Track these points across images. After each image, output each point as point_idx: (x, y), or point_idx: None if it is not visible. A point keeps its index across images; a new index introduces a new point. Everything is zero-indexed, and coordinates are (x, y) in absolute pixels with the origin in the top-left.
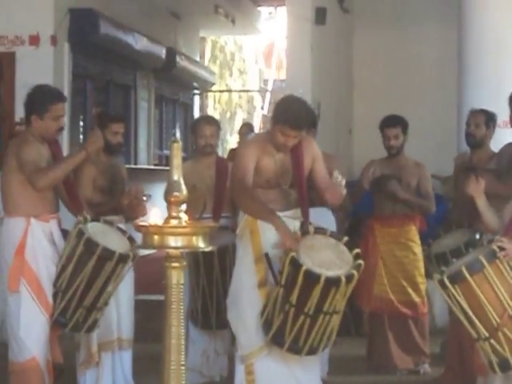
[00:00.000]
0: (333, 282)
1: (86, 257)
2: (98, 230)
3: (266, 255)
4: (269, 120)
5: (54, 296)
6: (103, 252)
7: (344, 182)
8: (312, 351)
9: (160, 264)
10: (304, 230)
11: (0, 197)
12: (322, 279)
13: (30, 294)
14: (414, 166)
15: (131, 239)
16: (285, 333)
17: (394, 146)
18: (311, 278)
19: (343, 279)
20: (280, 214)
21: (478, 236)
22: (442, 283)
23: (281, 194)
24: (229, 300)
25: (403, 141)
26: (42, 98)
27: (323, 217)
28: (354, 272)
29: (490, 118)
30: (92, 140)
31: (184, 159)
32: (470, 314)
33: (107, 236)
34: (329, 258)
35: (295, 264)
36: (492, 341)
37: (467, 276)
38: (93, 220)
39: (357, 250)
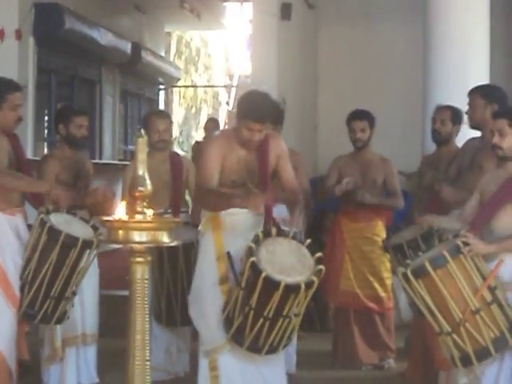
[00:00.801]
0: (292, 289)
1: (50, 245)
2: (60, 220)
3: (228, 254)
4: (234, 115)
5: (21, 289)
6: (67, 239)
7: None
8: (272, 350)
9: (124, 259)
10: (266, 232)
11: None
12: (282, 286)
13: None
14: (380, 162)
15: (95, 227)
16: (244, 333)
17: (360, 139)
18: (270, 284)
19: (302, 286)
20: (240, 210)
21: (436, 227)
22: (405, 277)
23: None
24: (191, 296)
25: (370, 135)
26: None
27: (286, 213)
28: (314, 279)
29: (455, 114)
30: (60, 195)
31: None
32: (433, 308)
33: (70, 225)
34: (290, 264)
35: (255, 269)
36: (454, 335)
37: (430, 271)
38: (55, 210)
39: (319, 254)
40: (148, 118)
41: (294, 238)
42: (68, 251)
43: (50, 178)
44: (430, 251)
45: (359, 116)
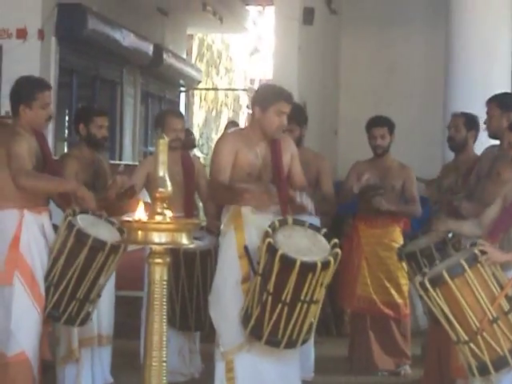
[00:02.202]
0: (309, 267)
1: (78, 249)
2: (87, 222)
3: (246, 248)
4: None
5: (47, 290)
6: (95, 243)
7: (309, 204)
8: (291, 344)
9: (140, 260)
10: (282, 220)
11: None
12: (298, 263)
13: (24, 286)
14: (399, 168)
15: (121, 230)
16: (263, 324)
17: (380, 146)
18: (287, 262)
19: (319, 264)
20: (268, 211)
21: (450, 235)
22: (423, 285)
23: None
24: (211, 296)
25: (389, 141)
26: (29, 87)
27: (307, 219)
28: (331, 258)
29: (470, 121)
30: (85, 197)
31: None
32: (451, 317)
33: (97, 227)
34: (306, 246)
35: (271, 250)
36: (471, 344)
37: (448, 279)
38: (81, 212)
39: (335, 240)
40: (164, 116)
41: (310, 227)
42: (95, 255)
43: (70, 177)
44: (448, 260)
45: (379, 122)
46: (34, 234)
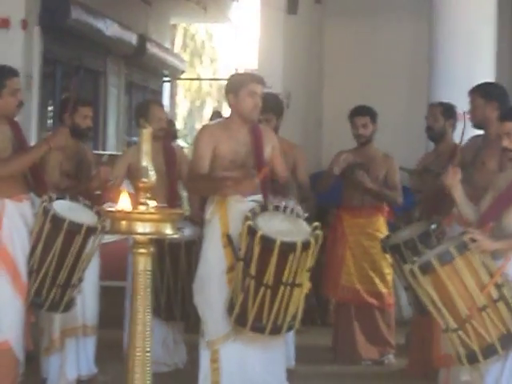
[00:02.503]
0: (289, 247)
1: (54, 233)
2: (64, 207)
3: (228, 236)
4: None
5: (28, 277)
6: (70, 226)
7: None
8: (275, 330)
9: (123, 250)
10: (263, 206)
11: None
12: (278, 243)
13: (6, 276)
14: (382, 158)
15: (98, 213)
16: (247, 310)
17: (362, 135)
18: (267, 243)
19: (299, 244)
20: (248, 198)
21: (433, 226)
22: (411, 273)
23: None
24: (195, 285)
25: (372, 131)
26: None
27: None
28: (311, 239)
29: (446, 109)
30: (57, 137)
31: None
32: (440, 305)
33: (74, 212)
34: (286, 228)
35: (251, 232)
36: (460, 332)
37: (437, 267)
38: (58, 198)
39: (316, 224)
40: (147, 106)
41: (291, 212)
42: (72, 238)
43: (54, 167)
44: (437, 247)
45: (361, 112)
46: (15, 222)
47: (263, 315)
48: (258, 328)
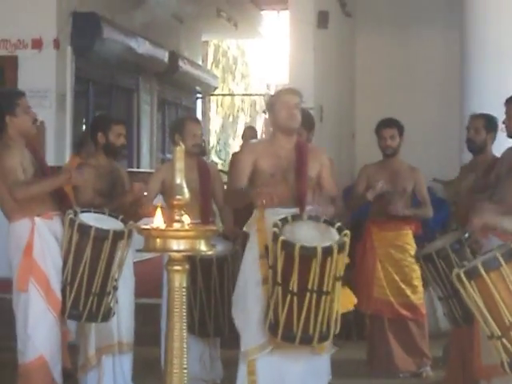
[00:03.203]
0: (308, 252)
1: (83, 242)
2: (89, 218)
3: (267, 247)
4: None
5: (63, 291)
6: (97, 233)
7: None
8: (307, 339)
9: (159, 267)
10: (296, 216)
11: None
12: (297, 247)
13: (39, 292)
14: (408, 170)
15: (124, 221)
16: (278, 319)
17: (389, 147)
18: (288, 248)
19: (319, 249)
20: (284, 210)
21: (466, 236)
22: (458, 278)
23: (286, 191)
24: (234, 296)
25: (399, 143)
26: (8, 97)
27: None
28: (333, 244)
29: (489, 122)
30: (80, 175)
31: None
32: (484, 311)
33: (100, 221)
34: (312, 236)
35: (275, 238)
36: (504, 340)
37: (483, 273)
38: (83, 212)
39: (345, 231)
40: (183, 122)
41: (324, 222)
42: (101, 245)
43: (87, 186)
44: (485, 254)
45: (389, 124)
46: (46, 239)
47: (293, 324)
48: (289, 337)
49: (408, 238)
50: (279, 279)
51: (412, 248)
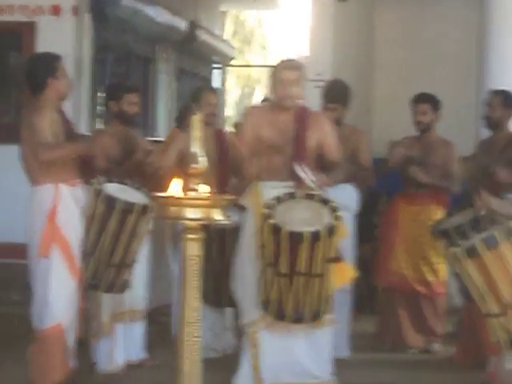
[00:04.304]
0: (297, 237)
1: (108, 214)
2: (114, 189)
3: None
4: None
5: (83, 259)
6: (123, 205)
7: (308, 179)
8: (298, 319)
9: None
10: (291, 194)
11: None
12: (284, 232)
13: (62, 259)
14: (441, 146)
15: (147, 193)
16: (270, 298)
17: (421, 122)
18: (276, 232)
19: (306, 234)
20: (281, 183)
21: (483, 212)
22: (455, 256)
23: (284, 164)
24: (233, 270)
25: (432, 119)
26: (50, 60)
27: (347, 193)
28: (321, 229)
29: (507, 99)
30: (93, 147)
31: None
32: (482, 289)
33: (124, 193)
34: (304, 217)
35: (265, 219)
36: (501, 318)
37: (481, 251)
38: (107, 181)
39: (338, 213)
40: (199, 91)
41: (319, 200)
42: (126, 218)
43: (101, 152)
44: (483, 233)
45: (422, 99)
46: (69, 206)
47: (284, 303)
48: (281, 316)
49: (432, 213)
50: (271, 260)
51: None
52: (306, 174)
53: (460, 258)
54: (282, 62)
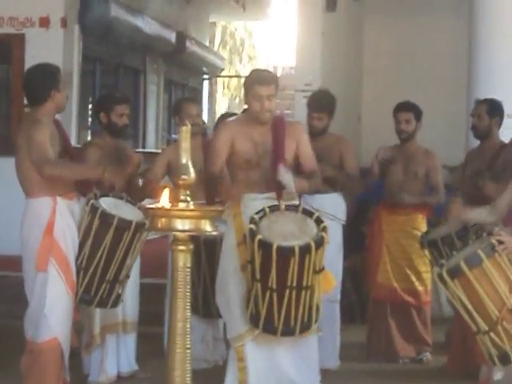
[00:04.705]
0: (286, 252)
1: (104, 230)
2: (110, 204)
3: (245, 236)
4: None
5: (76, 275)
6: (120, 223)
7: (291, 183)
8: (289, 332)
9: (163, 247)
10: (274, 207)
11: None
12: (274, 248)
13: (58, 272)
14: (423, 155)
15: (143, 209)
16: (259, 312)
17: (404, 131)
18: (265, 247)
19: (297, 249)
20: (260, 195)
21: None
22: (440, 277)
23: (262, 176)
24: (216, 284)
25: (415, 127)
26: (53, 72)
27: (334, 202)
28: (311, 242)
29: (492, 107)
30: (116, 177)
31: None
32: (470, 307)
33: (120, 208)
34: (290, 231)
35: (251, 235)
36: (491, 334)
37: (466, 270)
38: (102, 196)
39: (324, 224)
40: (180, 104)
41: (303, 212)
42: (121, 235)
43: (92, 164)
44: (465, 250)
45: (405, 107)
46: (66, 220)
47: (274, 317)
48: (270, 330)
49: (417, 223)
50: (258, 276)
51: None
52: (289, 177)
53: (444, 278)
54: (256, 74)
